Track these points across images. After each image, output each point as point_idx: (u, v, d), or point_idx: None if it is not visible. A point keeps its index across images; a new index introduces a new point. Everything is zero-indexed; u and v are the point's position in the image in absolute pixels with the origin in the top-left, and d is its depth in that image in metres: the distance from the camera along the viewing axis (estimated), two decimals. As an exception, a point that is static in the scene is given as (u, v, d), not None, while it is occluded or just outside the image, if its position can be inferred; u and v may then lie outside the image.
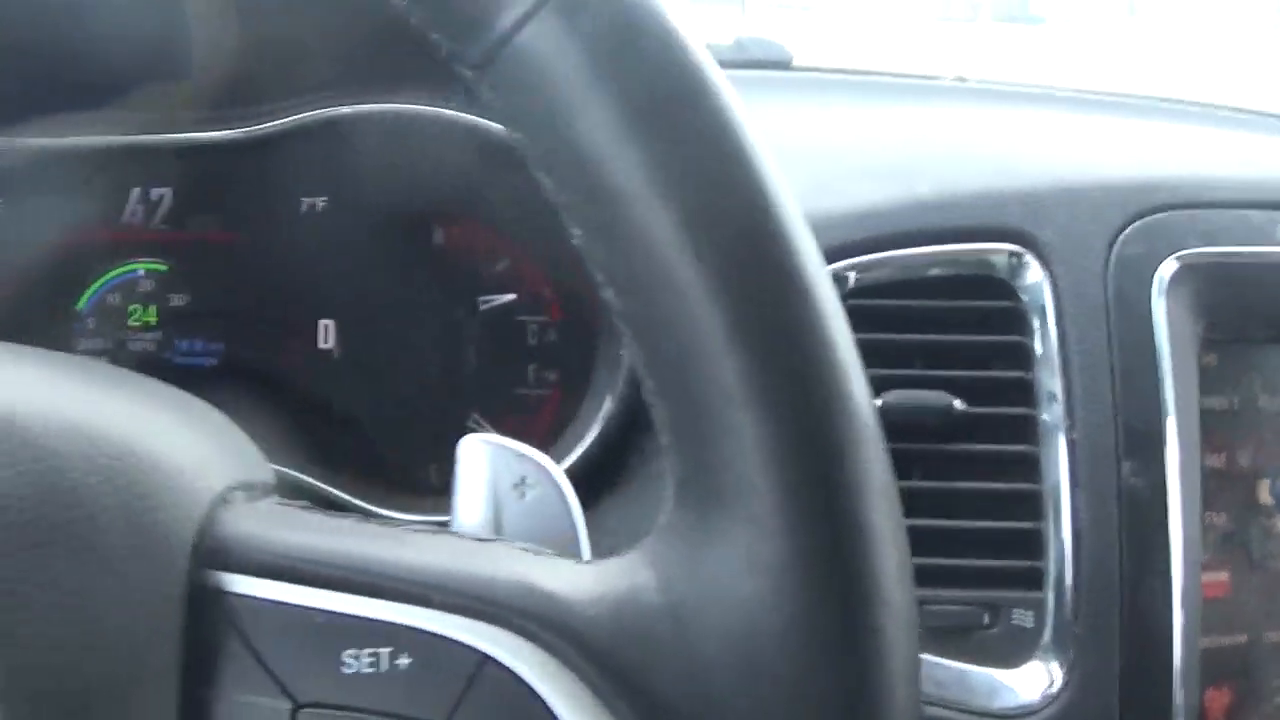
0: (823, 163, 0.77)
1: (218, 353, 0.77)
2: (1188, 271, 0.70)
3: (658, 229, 0.36)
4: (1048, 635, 0.68)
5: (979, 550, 0.69)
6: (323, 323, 0.77)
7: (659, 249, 0.36)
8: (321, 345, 0.77)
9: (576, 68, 0.36)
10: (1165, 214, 0.71)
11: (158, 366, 0.77)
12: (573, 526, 0.43)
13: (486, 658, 0.37)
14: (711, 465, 0.37)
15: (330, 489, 0.72)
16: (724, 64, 1.01)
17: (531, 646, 0.37)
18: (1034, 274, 0.70)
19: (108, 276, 0.78)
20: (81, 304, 0.78)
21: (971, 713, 0.67)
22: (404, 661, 0.38)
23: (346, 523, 0.41)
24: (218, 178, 0.76)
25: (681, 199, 0.36)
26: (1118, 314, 0.70)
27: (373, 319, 0.77)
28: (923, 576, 0.68)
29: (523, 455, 0.43)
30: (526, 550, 0.40)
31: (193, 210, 0.77)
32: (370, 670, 0.38)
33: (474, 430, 0.76)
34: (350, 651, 0.38)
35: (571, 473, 0.72)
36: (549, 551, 0.40)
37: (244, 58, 0.74)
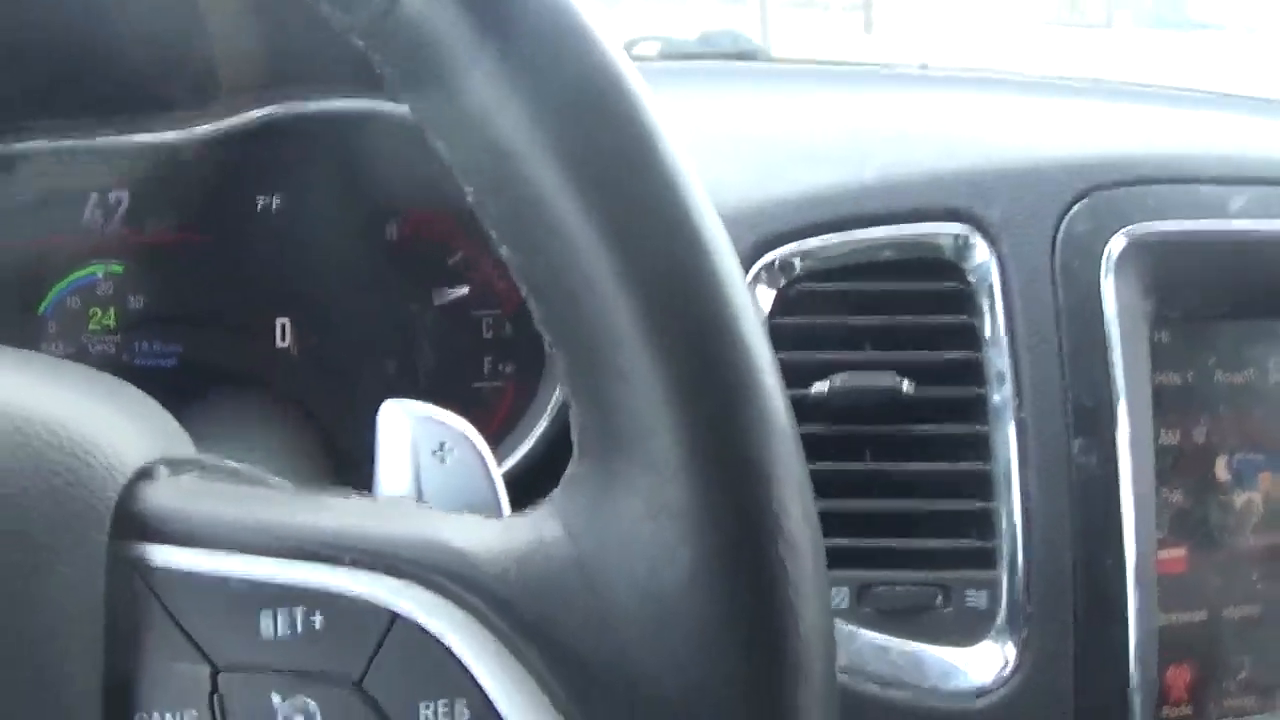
0: (774, 150, 0.80)
1: (176, 354, 0.80)
2: (1136, 248, 0.72)
3: (544, 180, 0.37)
4: (1001, 615, 0.70)
5: (931, 531, 0.71)
6: (279, 320, 0.79)
7: (546, 200, 0.37)
8: (279, 343, 0.79)
9: (459, 26, 0.37)
10: (1113, 190, 0.73)
11: (118, 368, 0.80)
12: (492, 488, 0.44)
13: (397, 614, 0.39)
14: (609, 412, 0.38)
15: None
16: (690, 56, 1.03)
17: (441, 601, 0.39)
18: (981, 254, 0.72)
19: (67, 280, 0.80)
20: (42, 308, 0.80)
21: (925, 693, 0.69)
22: (317, 620, 0.40)
23: (261, 490, 0.43)
24: (174, 179, 0.79)
25: (566, 148, 0.37)
26: (1066, 292, 0.71)
27: (329, 316, 0.79)
28: (875, 558, 0.71)
29: (441, 421, 0.45)
30: (437, 509, 0.42)
31: (150, 211, 0.80)
32: (286, 631, 0.40)
33: (431, 424, 0.78)
34: (266, 614, 0.40)
35: (528, 462, 0.75)
36: (463, 510, 0.42)
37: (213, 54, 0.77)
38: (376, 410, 0.75)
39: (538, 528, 0.40)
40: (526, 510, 0.41)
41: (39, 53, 0.73)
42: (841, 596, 0.70)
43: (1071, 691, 0.69)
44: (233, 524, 0.41)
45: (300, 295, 0.79)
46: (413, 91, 0.39)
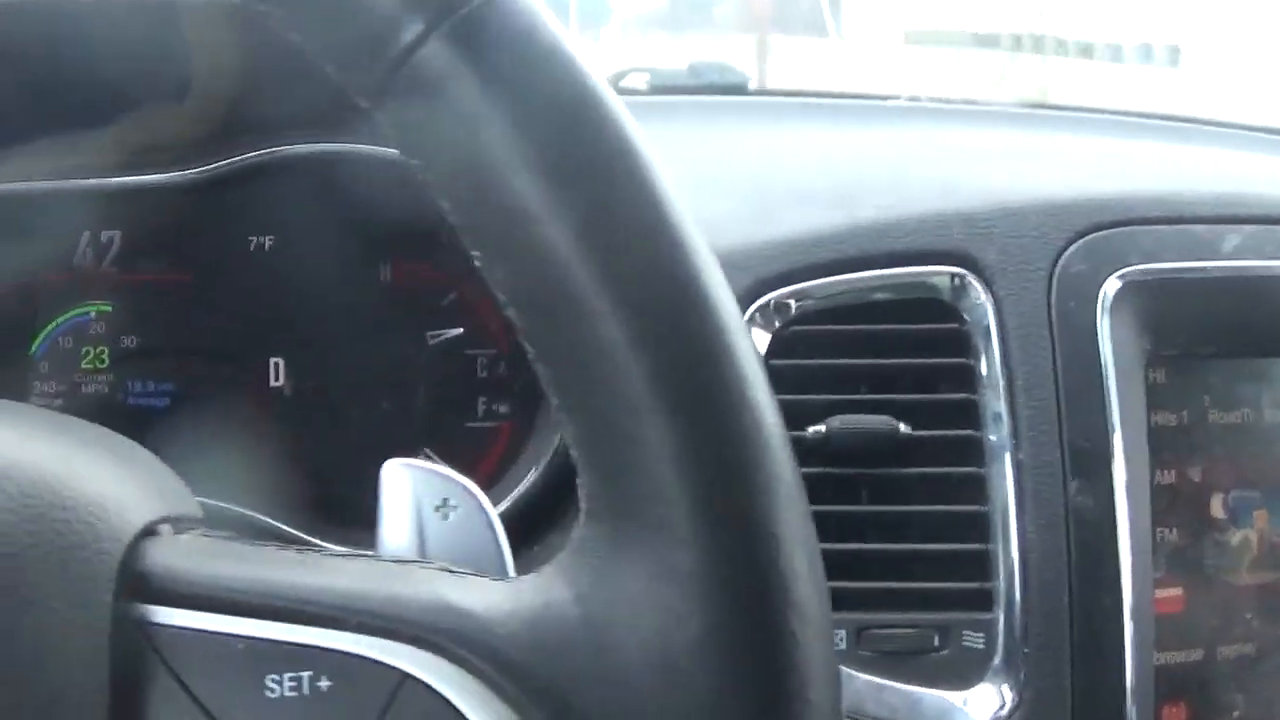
0: (768, 189, 0.81)
1: (169, 393, 0.80)
2: (1131, 289, 0.73)
3: (555, 247, 0.38)
4: (999, 656, 0.71)
5: (928, 572, 0.72)
6: (273, 360, 0.80)
7: (557, 267, 0.38)
8: (272, 383, 0.80)
9: (469, 91, 0.38)
10: (1108, 232, 0.74)
11: (111, 408, 0.81)
12: (496, 545, 0.45)
13: (406, 676, 0.40)
14: (619, 477, 0.39)
15: (283, 526, 0.75)
16: (680, 90, 1.05)
17: (449, 664, 0.40)
18: (977, 296, 0.73)
19: (59, 320, 0.81)
20: (34, 349, 0.81)
21: (924, 735, 0.70)
22: (325, 684, 0.40)
23: (267, 551, 0.43)
24: (166, 219, 0.79)
25: (577, 216, 0.38)
26: (1062, 333, 0.72)
27: (323, 356, 0.80)
28: (873, 599, 0.72)
29: (445, 476, 0.45)
30: (443, 569, 0.42)
31: (142, 252, 0.81)
32: (293, 694, 0.40)
33: (426, 465, 0.79)
34: (273, 676, 0.40)
35: (524, 502, 0.76)
36: (467, 570, 0.42)
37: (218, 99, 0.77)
38: (370, 450, 0.76)
39: (546, 590, 0.40)
40: (534, 572, 0.42)
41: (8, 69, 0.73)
42: (839, 638, 0.71)
43: (1069, 732, 0.70)
44: (239, 585, 0.41)
45: (294, 335, 0.80)
46: (419, 153, 0.40)
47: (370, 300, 0.80)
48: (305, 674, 0.40)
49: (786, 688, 0.39)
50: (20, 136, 0.77)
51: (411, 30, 0.38)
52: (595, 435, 0.39)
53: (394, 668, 0.40)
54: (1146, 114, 0.94)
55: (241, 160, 0.79)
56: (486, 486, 0.78)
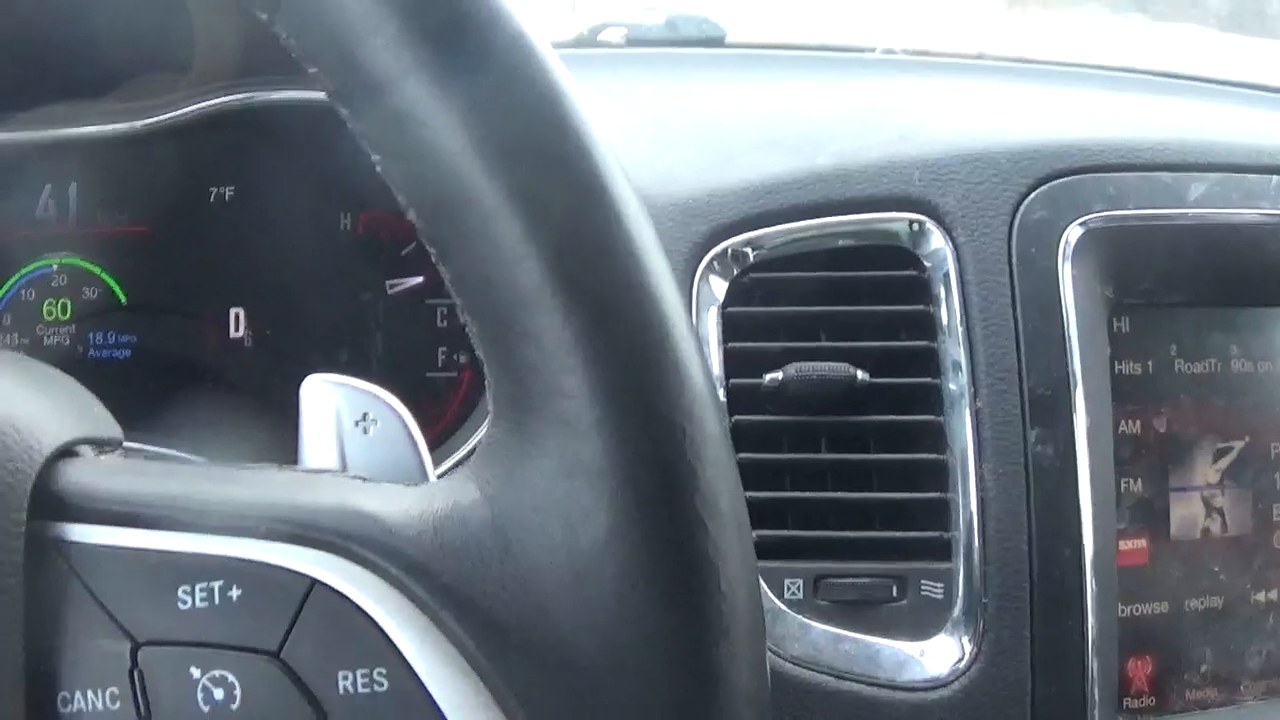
0: (730, 137, 0.81)
1: (130, 344, 0.82)
2: (1094, 236, 0.73)
3: (450, 146, 0.38)
4: (957, 607, 0.71)
5: (887, 522, 0.72)
6: (233, 311, 0.81)
7: (452, 165, 0.38)
8: (233, 334, 0.81)
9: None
10: (1070, 178, 0.74)
11: (73, 360, 0.82)
12: (417, 455, 0.45)
13: (315, 582, 0.40)
14: (522, 373, 0.39)
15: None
16: (656, 42, 1.05)
17: (358, 568, 0.40)
18: (937, 242, 0.73)
19: (22, 273, 0.82)
20: (-3, 301, 0.83)
21: (880, 686, 0.70)
22: (235, 593, 0.40)
23: (181, 466, 0.44)
24: (126, 170, 0.80)
25: (470, 113, 0.38)
26: (1023, 281, 0.72)
27: (282, 305, 0.81)
28: (831, 549, 0.72)
29: (364, 391, 0.46)
30: (355, 478, 0.43)
31: (103, 203, 0.82)
32: (205, 604, 0.40)
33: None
34: (184, 588, 0.40)
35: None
36: (382, 479, 0.43)
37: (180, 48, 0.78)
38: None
39: (454, 492, 0.41)
40: (444, 476, 0.42)
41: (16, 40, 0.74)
42: (796, 588, 0.72)
43: (1029, 684, 0.70)
44: (149, 499, 0.42)
45: (254, 285, 0.81)
46: (316, 62, 0.40)
47: (331, 250, 0.81)
48: (216, 584, 0.41)
49: (697, 579, 0.38)
50: (18, 104, 0.78)
51: None
52: (497, 332, 0.39)
53: (303, 574, 0.40)
54: (1112, 67, 0.94)
55: (201, 109, 0.80)
56: (446, 435, 0.79)
